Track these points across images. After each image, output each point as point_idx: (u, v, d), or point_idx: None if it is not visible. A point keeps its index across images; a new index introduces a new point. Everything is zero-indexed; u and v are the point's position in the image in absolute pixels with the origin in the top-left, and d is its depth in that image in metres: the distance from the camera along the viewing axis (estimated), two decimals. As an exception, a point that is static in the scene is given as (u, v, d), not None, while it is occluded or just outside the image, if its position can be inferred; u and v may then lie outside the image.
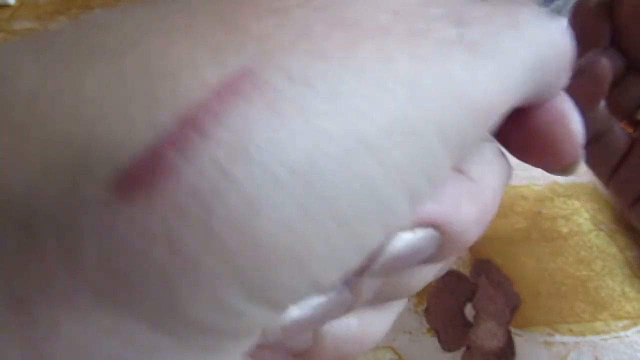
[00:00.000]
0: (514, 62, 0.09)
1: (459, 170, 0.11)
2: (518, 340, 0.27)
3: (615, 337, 0.27)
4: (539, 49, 0.10)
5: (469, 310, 0.28)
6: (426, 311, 0.28)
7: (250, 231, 0.07)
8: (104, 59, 0.07)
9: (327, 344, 0.11)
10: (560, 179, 0.37)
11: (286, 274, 0.07)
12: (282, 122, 0.07)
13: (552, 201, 0.35)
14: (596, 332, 0.28)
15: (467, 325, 0.27)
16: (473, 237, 0.11)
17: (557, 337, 0.27)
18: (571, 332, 0.28)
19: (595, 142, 0.26)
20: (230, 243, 0.07)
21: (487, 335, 0.27)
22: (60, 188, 0.06)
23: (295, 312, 0.10)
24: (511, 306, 0.29)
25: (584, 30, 0.23)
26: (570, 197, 0.35)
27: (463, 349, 0.26)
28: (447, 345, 0.27)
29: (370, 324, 0.12)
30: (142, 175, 0.06)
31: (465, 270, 0.30)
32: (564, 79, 0.11)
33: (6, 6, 0.55)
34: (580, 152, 0.11)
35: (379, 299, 0.12)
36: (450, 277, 0.30)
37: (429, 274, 0.12)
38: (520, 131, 0.12)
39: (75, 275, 0.06)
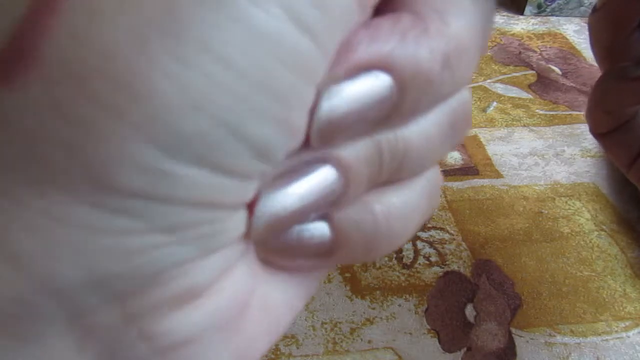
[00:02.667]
0: None
1: (407, 10, 0.10)
2: (519, 341, 0.27)
3: (617, 338, 0.27)
4: None
5: (469, 311, 0.28)
6: (427, 312, 0.28)
7: (135, 89, 0.07)
8: None
9: (347, 231, 0.11)
10: (561, 179, 0.37)
11: (192, 126, 0.07)
12: None
13: (554, 201, 0.35)
14: (597, 333, 0.27)
15: (468, 325, 0.27)
16: (436, 72, 0.09)
17: (558, 338, 0.27)
18: (572, 332, 0.27)
19: (619, 128, 0.26)
20: (113, 98, 0.07)
21: (488, 336, 0.27)
22: None
23: (280, 197, 0.09)
24: (512, 307, 0.29)
25: (615, 11, 0.23)
26: (572, 197, 0.35)
27: (464, 349, 0.26)
28: (448, 346, 0.27)
29: (391, 204, 0.11)
30: (11, 61, 0.07)
31: (466, 271, 0.30)
32: None
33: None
34: None
35: (391, 175, 0.11)
36: (451, 278, 0.30)
37: (429, 130, 0.11)
38: None
39: None
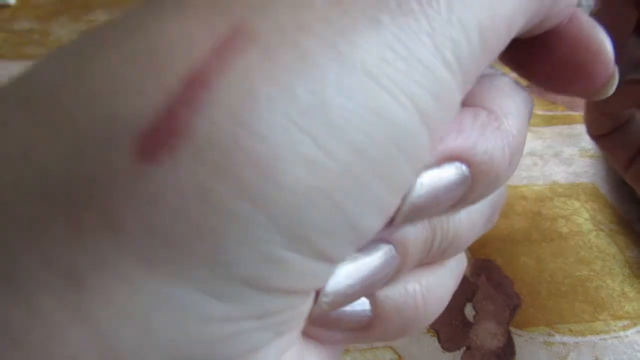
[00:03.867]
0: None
1: (477, 104, 0.11)
2: (518, 340, 0.27)
3: (615, 337, 0.27)
4: None
5: (469, 310, 0.28)
6: (426, 311, 0.28)
7: (274, 174, 0.07)
8: (108, 46, 0.07)
9: (388, 311, 0.11)
10: (560, 179, 0.37)
11: (320, 215, 0.07)
12: (282, 66, 0.07)
13: (552, 201, 0.35)
14: (596, 332, 0.28)
15: (467, 325, 0.28)
16: (504, 168, 0.10)
17: (557, 337, 0.27)
18: (571, 332, 0.28)
19: (616, 130, 0.27)
20: (257, 187, 0.07)
21: (487, 335, 0.27)
22: (93, 163, 0.07)
23: (344, 275, 0.09)
24: (511, 306, 0.29)
25: (610, 16, 0.23)
26: (570, 197, 0.35)
27: (463, 348, 0.26)
28: (447, 345, 0.27)
29: (430, 286, 0.12)
30: (160, 136, 0.07)
31: (465, 270, 0.30)
32: None
33: (6, 6, 0.55)
34: (613, 67, 0.11)
35: (432, 257, 0.11)
36: (450, 277, 0.30)
37: (475, 218, 0.11)
38: (545, 61, 0.12)
39: (119, 243, 0.07)
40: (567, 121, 0.42)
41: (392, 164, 0.08)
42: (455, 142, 0.10)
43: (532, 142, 0.40)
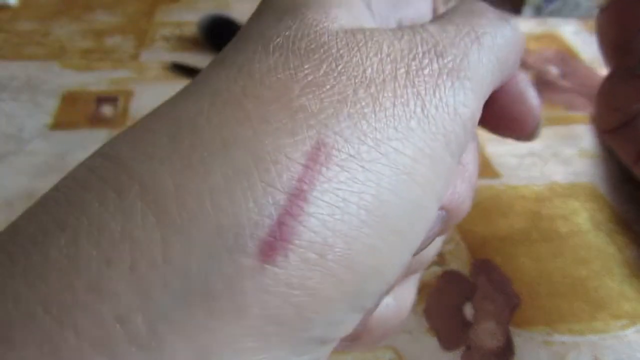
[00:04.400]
0: (483, 73, 0.11)
1: None
2: (517, 340, 0.27)
3: (614, 337, 0.28)
4: (498, 52, 0.12)
5: (468, 310, 0.28)
6: (426, 311, 0.28)
7: (351, 264, 0.09)
8: (215, 160, 0.09)
9: (374, 324, 0.13)
10: (559, 179, 0.37)
11: (374, 284, 0.10)
12: (349, 174, 0.09)
13: (551, 201, 0.35)
14: (595, 332, 0.28)
15: (467, 324, 0.28)
16: (468, 208, 0.13)
17: (556, 337, 0.27)
18: (570, 331, 0.28)
19: (625, 125, 0.27)
20: (341, 275, 0.09)
21: (487, 335, 0.27)
22: (226, 264, 0.08)
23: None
24: (510, 306, 0.29)
25: (620, 12, 0.24)
26: (570, 197, 0.35)
27: (462, 348, 0.27)
28: (447, 345, 0.27)
29: (402, 298, 0.14)
30: (275, 241, 0.08)
31: (465, 270, 0.30)
32: (518, 63, 0.13)
33: (7, 7, 0.55)
34: (539, 121, 0.14)
35: (404, 275, 0.14)
36: (450, 277, 0.30)
37: (438, 244, 0.14)
38: (492, 113, 0.14)
39: (243, 326, 0.08)
40: (566, 121, 0.42)
41: (418, 236, 0.10)
42: (443, 199, 0.12)
43: (532, 143, 0.40)
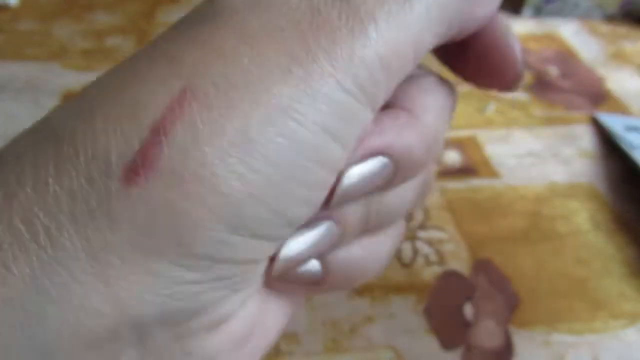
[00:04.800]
0: (407, 21, 0.11)
1: (398, 106, 0.13)
2: (517, 340, 0.27)
3: (614, 337, 0.28)
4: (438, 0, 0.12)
5: (468, 310, 0.28)
6: (426, 311, 0.28)
7: (214, 186, 0.10)
8: (103, 103, 0.11)
9: (335, 269, 0.14)
10: (559, 179, 0.37)
11: (251, 210, 0.11)
12: (216, 113, 0.10)
13: (551, 201, 0.35)
14: (595, 332, 0.28)
15: (467, 324, 0.28)
16: (422, 157, 0.13)
17: (556, 337, 0.27)
18: (570, 331, 0.28)
19: None
20: (203, 195, 0.10)
21: (486, 335, 0.27)
22: (99, 185, 0.10)
23: (294, 245, 0.13)
24: (510, 306, 0.29)
25: None
26: (569, 197, 0.36)
27: (462, 348, 0.27)
28: (447, 345, 0.27)
29: (371, 250, 0.15)
30: (138, 167, 0.10)
31: (465, 270, 0.30)
32: (487, 12, 0.13)
33: (7, 7, 0.55)
34: (521, 69, 0.14)
35: (371, 227, 0.14)
36: (450, 277, 0.30)
37: (406, 196, 0.15)
38: (470, 60, 0.14)
39: (119, 238, 0.10)
40: (566, 122, 0.42)
41: (308, 172, 0.11)
42: (375, 142, 0.12)
43: (531, 143, 0.40)
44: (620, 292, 0.30)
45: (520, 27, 0.54)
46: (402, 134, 0.13)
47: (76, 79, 0.45)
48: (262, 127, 0.10)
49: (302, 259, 0.13)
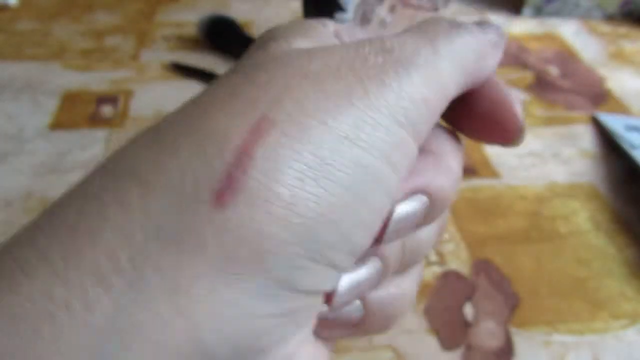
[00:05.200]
0: (440, 70, 0.13)
1: (428, 150, 0.15)
2: (517, 340, 0.27)
3: (614, 337, 0.28)
4: (457, 55, 0.13)
5: (468, 310, 0.28)
6: (426, 311, 0.28)
7: (295, 208, 0.11)
8: (184, 131, 0.11)
9: (375, 310, 0.15)
10: (559, 179, 0.37)
11: (326, 232, 0.11)
12: (293, 139, 0.11)
13: (551, 201, 0.35)
14: (595, 332, 0.28)
15: (467, 324, 0.28)
16: (450, 195, 0.14)
17: (556, 337, 0.27)
18: (570, 331, 0.28)
19: None
20: (285, 217, 0.11)
21: (487, 335, 0.27)
22: (186, 210, 0.10)
23: (346, 281, 0.13)
24: (510, 306, 0.29)
25: None
26: (569, 197, 0.35)
27: (462, 348, 0.27)
28: (447, 345, 0.27)
29: (404, 287, 0.15)
30: (226, 190, 0.10)
31: (465, 270, 0.30)
32: (490, 67, 0.15)
33: (7, 7, 0.55)
34: (521, 126, 0.14)
35: (403, 266, 0.15)
36: (450, 277, 0.30)
37: (431, 235, 0.15)
38: (474, 118, 0.15)
39: (206, 263, 0.10)
40: (567, 121, 0.42)
41: (373, 195, 0.12)
42: (418, 181, 0.13)
43: (532, 143, 0.40)
44: (621, 292, 0.30)
45: (521, 27, 0.54)
46: (437, 175, 0.14)
47: (76, 79, 0.45)
48: (334, 152, 0.11)
49: (352, 296, 0.14)
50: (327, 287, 0.12)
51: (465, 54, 0.14)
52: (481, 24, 0.15)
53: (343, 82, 0.12)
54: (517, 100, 0.15)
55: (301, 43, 0.13)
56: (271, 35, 0.14)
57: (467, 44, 0.14)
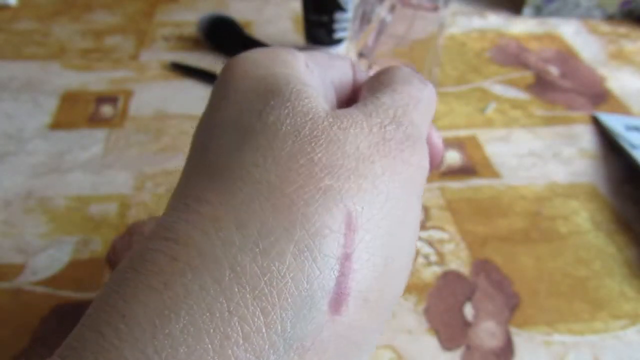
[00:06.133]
0: (423, 130, 0.15)
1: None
2: (517, 340, 0.27)
3: (614, 337, 0.27)
4: (426, 111, 0.15)
5: (468, 310, 0.28)
6: (426, 311, 0.28)
7: (383, 301, 0.12)
8: (283, 244, 0.11)
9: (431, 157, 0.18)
10: (559, 179, 0.37)
11: (392, 308, 0.13)
12: (371, 235, 0.12)
13: (552, 201, 0.35)
14: (595, 332, 0.28)
15: (467, 324, 0.28)
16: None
17: (556, 337, 0.27)
18: (570, 331, 0.28)
19: None
20: (378, 310, 0.12)
21: (487, 335, 0.27)
22: (308, 322, 0.11)
23: None
24: (510, 306, 0.29)
25: None
26: (570, 197, 0.35)
27: (462, 348, 0.27)
28: (447, 345, 0.27)
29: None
30: (338, 297, 0.11)
31: (465, 270, 0.30)
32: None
33: (7, 7, 0.55)
34: (443, 156, 0.17)
35: None
36: (450, 277, 0.30)
37: None
38: None
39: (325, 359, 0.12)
40: (567, 121, 0.42)
41: (410, 269, 0.13)
42: None
43: (532, 142, 0.40)
44: (621, 292, 0.30)
45: (521, 27, 0.54)
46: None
47: (76, 79, 0.45)
48: (396, 238, 0.13)
49: None
50: None
51: (430, 109, 0.16)
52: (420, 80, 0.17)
53: (386, 163, 0.13)
54: (439, 135, 0.18)
55: (312, 94, 0.14)
56: (260, 72, 0.14)
57: (430, 98, 0.16)
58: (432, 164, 0.18)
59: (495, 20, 0.55)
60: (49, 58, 0.48)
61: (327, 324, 0.11)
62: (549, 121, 0.42)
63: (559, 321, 0.28)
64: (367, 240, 0.12)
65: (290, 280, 0.11)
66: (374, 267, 0.12)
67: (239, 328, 0.10)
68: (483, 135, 0.40)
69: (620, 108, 0.44)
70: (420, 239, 0.32)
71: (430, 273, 0.30)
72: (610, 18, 0.56)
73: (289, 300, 0.11)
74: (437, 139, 0.18)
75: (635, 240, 0.33)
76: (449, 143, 0.39)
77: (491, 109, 0.43)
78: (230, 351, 0.10)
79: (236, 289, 0.11)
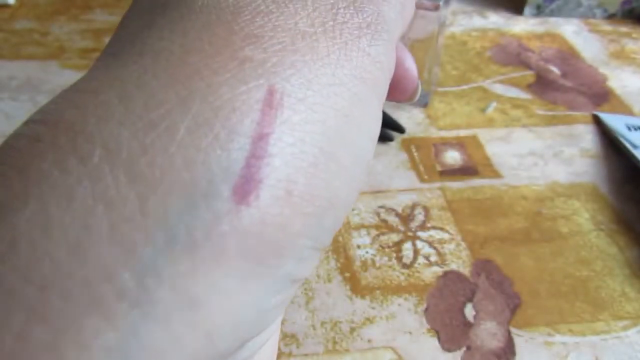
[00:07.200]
0: (393, 26, 0.13)
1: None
2: (518, 340, 0.27)
3: (616, 337, 0.27)
4: (399, 7, 0.13)
5: (469, 310, 0.28)
6: (426, 311, 0.28)
7: (312, 198, 0.10)
8: (176, 116, 0.09)
9: None
10: (560, 179, 0.37)
11: (330, 219, 0.10)
12: (300, 117, 0.10)
13: (553, 201, 0.35)
14: (596, 332, 0.28)
15: (467, 325, 0.27)
16: None
17: (557, 337, 0.27)
18: (571, 332, 0.28)
19: None
20: (305, 209, 0.10)
21: (487, 335, 0.27)
22: (202, 211, 0.09)
23: None
24: (511, 306, 0.29)
25: None
26: (571, 197, 0.35)
27: (463, 349, 0.26)
28: (447, 345, 0.27)
29: None
30: (248, 183, 0.09)
31: (465, 270, 0.30)
32: (408, 18, 0.15)
33: (6, 6, 0.55)
34: (417, 82, 0.15)
35: None
36: (450, 277, 0.30)
37: None
38: None
39: (226, 267, 0.09)
40: (568, 121, 0.42)
41: (361, 174, 0.12)
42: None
43: (533, 142, 0.40)
44: (622, 292, 0.29)
45: (522, 26, 0.54)
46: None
47: (75, 79, 0.44)
48: (336, 131, 0.10)
49: None
50: (309, 272, 0.11)
51: (404, 6, 0.14)
52: None
53: (332, 45, 0.11)
54: (411, 58, 0.16)
55: None
56: None
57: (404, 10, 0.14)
58: (403, 90, 0.16)
59: (496, 20, 0.55)
60: (47, 58, 0.48)
61: (230, 215, 0.09)
62: (550, 121, 0.42)
63: (560, 322, 0.28)
64: (294, 122, 0.10)
65: (180, 159, 0.09)
66: (302, 155, 0.10)
67: (103, 216, 0.08)
68: (484, 135, 0.40)
69: (622, 108, 0.44)
70: (420, 239, 0.32)
71: (431, 273, 0.30)
72: (611, 17, 0.56)
73: (177, 183, 0.09)
74: (411, 63, 0.16)
75: (636, 240, 0.32)
76: (450, 143, 0.39)
77: (492, 108, 0.43)
78: (87, 244, 0.08)
79: (107, 170, 0.09)
